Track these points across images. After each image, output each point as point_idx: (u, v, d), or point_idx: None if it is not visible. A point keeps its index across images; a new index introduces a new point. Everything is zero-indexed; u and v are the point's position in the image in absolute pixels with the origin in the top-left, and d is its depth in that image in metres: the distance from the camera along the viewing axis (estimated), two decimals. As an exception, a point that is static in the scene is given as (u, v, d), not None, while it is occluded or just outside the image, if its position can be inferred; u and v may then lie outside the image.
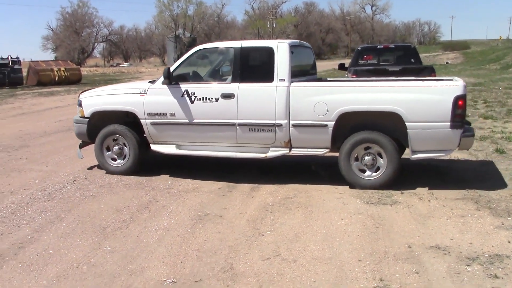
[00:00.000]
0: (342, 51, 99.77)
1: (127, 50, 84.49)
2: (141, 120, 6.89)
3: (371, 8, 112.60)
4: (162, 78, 6.75)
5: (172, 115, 6.73)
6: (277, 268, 3.95)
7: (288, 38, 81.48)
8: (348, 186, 6.22)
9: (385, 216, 5.13)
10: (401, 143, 6.19)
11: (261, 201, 5.76)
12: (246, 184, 6.48)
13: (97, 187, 6.42)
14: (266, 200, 5.79)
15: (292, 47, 6.57)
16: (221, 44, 7.30)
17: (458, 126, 5.81)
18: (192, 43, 68.08)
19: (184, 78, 6.90)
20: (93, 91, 7.63)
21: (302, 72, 7.21)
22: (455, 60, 56.94)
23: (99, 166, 7.38)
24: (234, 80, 6.56)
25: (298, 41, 7.46)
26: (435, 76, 11.19)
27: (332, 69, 39.92)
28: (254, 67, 6.71)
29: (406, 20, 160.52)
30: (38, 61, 30.27)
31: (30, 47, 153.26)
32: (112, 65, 69.24)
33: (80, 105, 7.35)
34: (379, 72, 11.14)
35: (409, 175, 6.75)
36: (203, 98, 6.58)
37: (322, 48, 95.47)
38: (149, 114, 6.83)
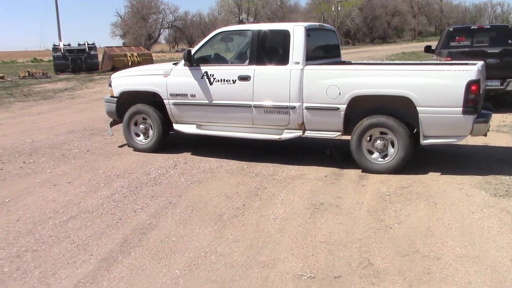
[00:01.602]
0: (408, 34, 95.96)
1: (192, 35, 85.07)
2: (164, 100, 7.08)
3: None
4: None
5: (193, 96, 6.86)
6: (421, 265, 3.63)
7: (353, 21, 79.54)
8: (466, 176, 5.80)
9: (521, 210, 4.67)
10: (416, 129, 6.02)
11: (375, 190, 5.43)
12: (352, 171, 6.18)
13: (200, 172, 6.31)
14: (381, 190, 5.45)
15: (310, 30, 6.49)
16: (240, 27, 7.68)
17: (471, 111, 5.59)
18: (256, 28, 67.60)
19: (204, 60, 6.97)
20: (123, 72, 7.88)
21: (323, 55, 7.19)
22: (534, 42, 53.40)
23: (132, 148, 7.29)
24: (251, 62, 6.59)
25: (317, 23, 7.32)
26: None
27: (401, 52, 38.56)
28: (271, 50, 6.72)
29: (477, 1, 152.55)
30: (112, 46, 31.02)
31: (100, 34, 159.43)
32: (177, 51, 70.13)
33: (110, 85, 7.66)
34: (476, 54, 10.37)
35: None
36: (221, 80, 6.66)
37: (388, 31, 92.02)
38: (171, 95, 7.01)
